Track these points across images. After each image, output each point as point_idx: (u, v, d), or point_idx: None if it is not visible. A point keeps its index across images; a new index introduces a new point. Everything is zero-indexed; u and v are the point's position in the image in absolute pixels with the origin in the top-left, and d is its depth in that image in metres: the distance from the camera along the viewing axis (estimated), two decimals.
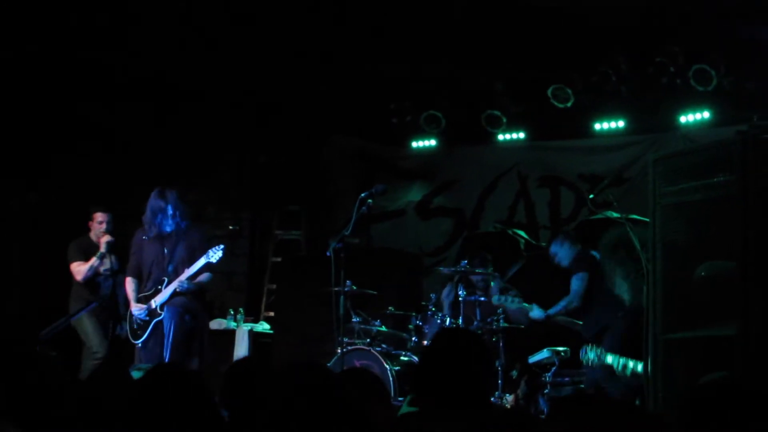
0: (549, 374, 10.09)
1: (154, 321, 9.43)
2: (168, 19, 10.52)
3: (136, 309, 9.55)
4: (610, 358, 8.97)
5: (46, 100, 11.70)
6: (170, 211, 9.55)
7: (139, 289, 9.67)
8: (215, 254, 9.32)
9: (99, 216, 10.47)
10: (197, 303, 9.61)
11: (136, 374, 6.46)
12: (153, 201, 9.61)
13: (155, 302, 9.44)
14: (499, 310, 9.99)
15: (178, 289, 9.36)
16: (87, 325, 10.27)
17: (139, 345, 9.54)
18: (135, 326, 9.60)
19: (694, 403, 3.53)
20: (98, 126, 12.14)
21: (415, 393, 4.29)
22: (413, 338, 10.19)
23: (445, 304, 10.65)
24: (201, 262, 9.32)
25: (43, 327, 11.26)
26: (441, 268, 11.04)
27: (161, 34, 10.82)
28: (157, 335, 9.44)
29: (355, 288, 9.92)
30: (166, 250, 9.55)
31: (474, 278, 10.57)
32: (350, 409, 3.26)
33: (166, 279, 9.47)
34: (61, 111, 11.88)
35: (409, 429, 3.83)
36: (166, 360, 9.17)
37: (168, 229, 9.56)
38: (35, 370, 3.90)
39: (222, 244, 9.56)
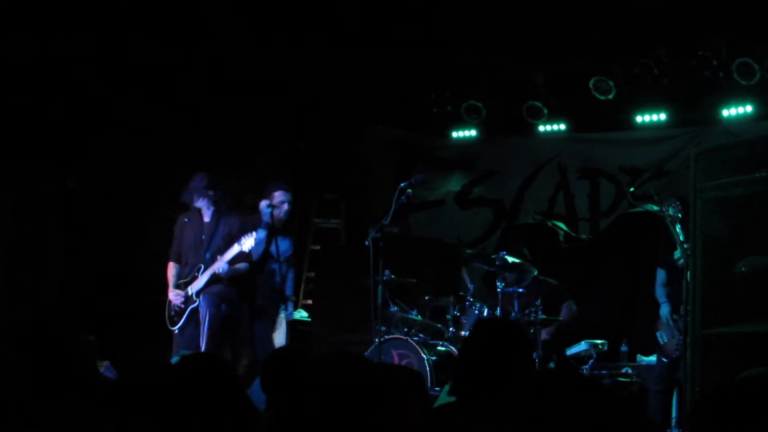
0: (587, 367, 10.09)
1: (190, 308, 9.48)
2: (208, 8, 10.60)
3: (173, 295, 9.60)
4: None
5: (89, 88, 11.78)
6: (211, 194, 9.64)
7: (180, 275, 9.72)
8: (246, 241, 9.30)
9: (279, 195, 9.88)
10: (234, 291, 9.62)
11: (176, 360, 6.53)
12: (197, 182, 9.68)
13: (191, 289, 9.50)
14: (537, 302, 9.96)
15: (218, 272, 9.37)
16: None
17: (176, 331, 9.60)
18: (172, 313, 9.66)
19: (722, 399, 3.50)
20: (138, 113, 12.20)
21: (455, 382, 4.30)
22: (451, 328, 10.20)
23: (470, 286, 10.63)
24: (234, 249, 9.34)
25: (79, 311, 11.38)
26: (477, 263, 11.05)
27: (201, 25, 10.88)
28: (194, 322, 9.48)
29: (393, 277, 9.96)
30: (204, 237, 9.61)
31: (507, 273, 10.51)
32: (385, 401, 3.28)
33: (202, 266, 9.52)
34: (102, 99, 11.94)
35: (447, 420, 3.83)
36: (203, 348, 9.22)
37: (207, 210, 9.65)
38: (69, 353, 3.94)
39: (254, 230, 9.54)
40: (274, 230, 9.85)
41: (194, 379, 3.41)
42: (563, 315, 10.37)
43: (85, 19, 10.65)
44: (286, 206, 9.88)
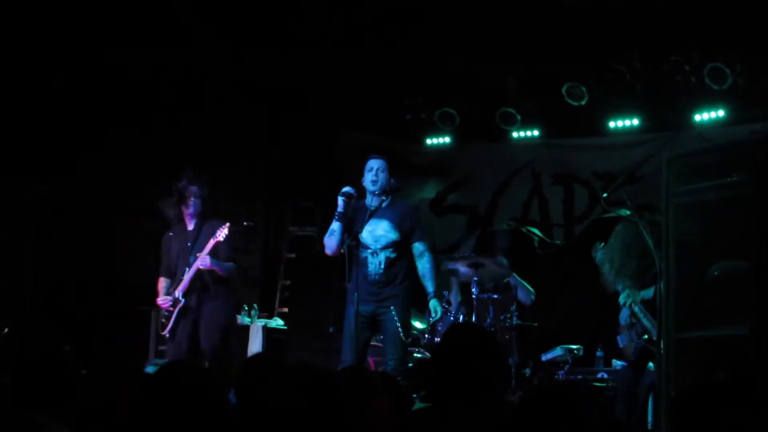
0: (562, 372, 10.13)
1: (177, 309, 9.46)
2: (178, 12, 10.60)
3: (161, 300, 9.61)
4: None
5: (64, 98, 11.75)
6: (200, 193, 9.60)
7: (170, 286, 9.73)
8: (221, 232, 9.36)
9: (368, 164, 8.65)
10: (218, 295, 9.59)
11: (150, 369, 6.50)
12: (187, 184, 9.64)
13: (178, 292, 9.49)
14: (513, 308, 10.01)
15: (201, 266, 9.37)
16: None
17: (167, 336, 9.60)
18: (162, 319, 9.66)
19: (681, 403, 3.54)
20: (111, 122, 12.17)
21: (427, 390, 4.32)
22: (426, 335, 10.22)
23: (453, 304, 10.62)
24: (211, 243, 9.38)
25: (54, 320, 11.33)
26: (449, 265, 11.09)
27: (173, 30, 10.87)
28: (182, 325, 9.46)
29: None
30: (189, 243, 9.60)
31: (486, 278, 10.54)
32: (347, 411, 3.29)
33: (187, 269, 9.53)
34: (77, 109, 11.91)
35: (418, 426, 3.85)
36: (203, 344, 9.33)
37: (191, 219, 9.62)
38: (51, 364, 3.93)
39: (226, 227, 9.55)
40: (353, 213, 8.62)
41: (174, 385, 3.41)
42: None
43: (57, 31, 10.64)
44: (378, 174, 8.57)
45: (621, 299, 9.14)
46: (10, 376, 3.91)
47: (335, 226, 8.63)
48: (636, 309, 8.99)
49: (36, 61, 11.05)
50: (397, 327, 8.45)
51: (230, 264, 9.60)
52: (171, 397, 3.31)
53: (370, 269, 8.58)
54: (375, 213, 8.55)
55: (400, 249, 8.63)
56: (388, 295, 8.51)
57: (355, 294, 8.41)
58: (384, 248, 8.58)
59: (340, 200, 8.61)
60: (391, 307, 8.48)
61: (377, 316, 8.56)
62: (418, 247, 8.70)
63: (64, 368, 3.99)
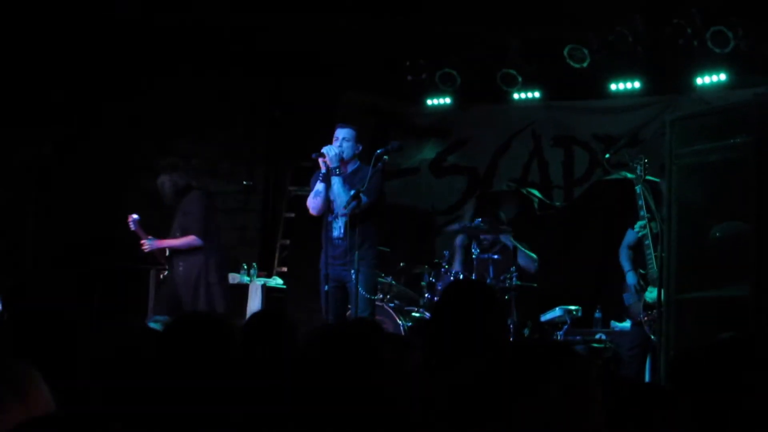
0: (561, 333, 10.18)
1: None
2: None
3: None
4: None
5: (63, 54, 11.71)
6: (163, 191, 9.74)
7: None
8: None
9: (337, 131, 8.88)
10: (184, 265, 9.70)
11: (153, 325, 6.55)
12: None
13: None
14: (512, 269, 10.03)
15: (145, 250, 9.70)
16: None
17: None
18: None
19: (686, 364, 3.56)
20: (114, 80, 12.13)
21: (428, 347, 4.35)
22: (426, 295, 10.26)
23: (459, 253, 10.65)
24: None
25: (53, 279, 11.37)
26: (449, 228, 11.12)
27: None
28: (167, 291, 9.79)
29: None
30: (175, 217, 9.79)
31: (483, 238, 10.55)
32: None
33: None
34: (77, 65, 11.88)
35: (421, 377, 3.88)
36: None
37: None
38: (52, 325, 3.95)
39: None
40: (329, 176, 8.70)
41: (192, 335, 3.43)
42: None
43: None
44: (342, 143, 8.78)
45: (636, 227, 9.00)
46: (10, 328, 3.92)
47: (320, 187, 8.77)
48: (647, 242, 8.85)
49: (40, 12, 11.00)
50: (361, 292, 8.56)
51: (182, 241, 9.63)
52: (187, 345, 3.33)
53: (333, 234, 8.75)
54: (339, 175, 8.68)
55: (360, 213, 8.61)
56: (352, 260, 8.50)
57: (323, 256, 8.73)
58: (343, 213, 8.64)
59: (320, 161, 8.70)
60: (352, 271, 8.51)
61: (343, 279, 8.72)
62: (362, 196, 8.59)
63: (64, 322, 4.00)
